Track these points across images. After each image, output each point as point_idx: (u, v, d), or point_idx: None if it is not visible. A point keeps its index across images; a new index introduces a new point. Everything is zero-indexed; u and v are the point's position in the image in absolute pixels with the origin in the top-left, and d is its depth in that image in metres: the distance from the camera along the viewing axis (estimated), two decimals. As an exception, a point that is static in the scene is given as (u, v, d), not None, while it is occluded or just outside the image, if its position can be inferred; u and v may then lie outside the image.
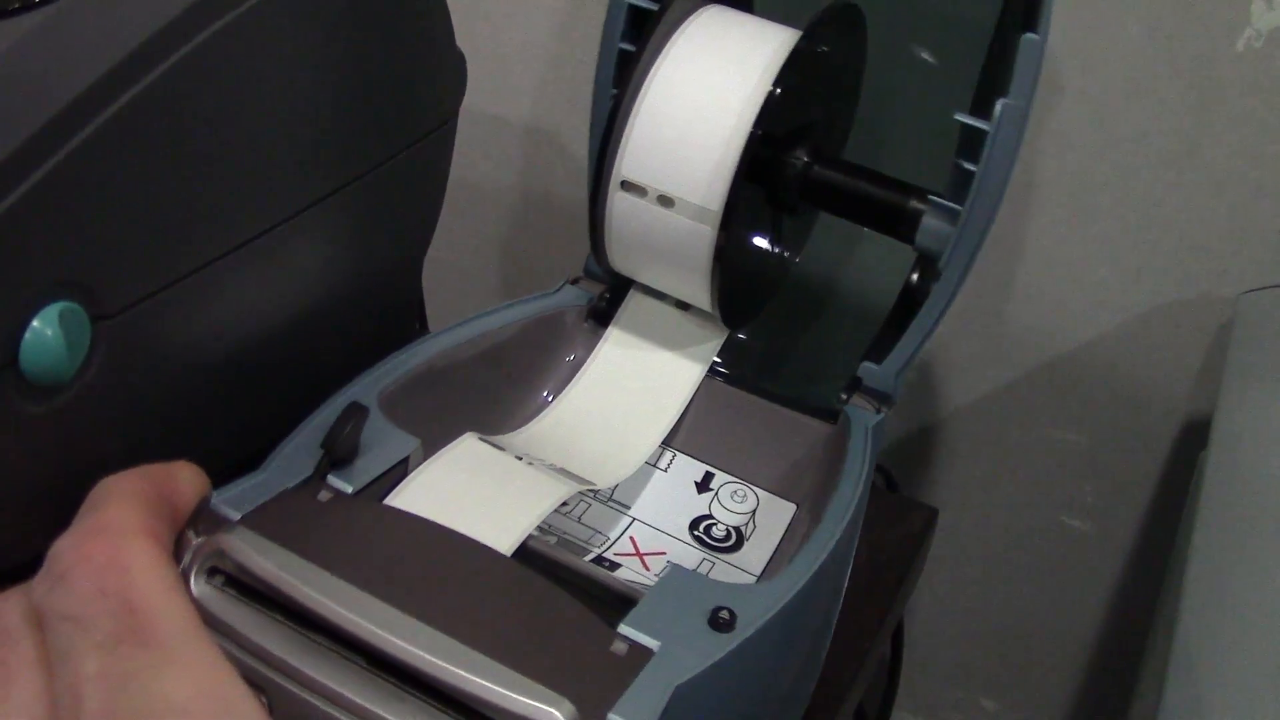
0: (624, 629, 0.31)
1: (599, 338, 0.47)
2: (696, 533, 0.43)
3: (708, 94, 0.41)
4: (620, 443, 0.44)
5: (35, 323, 0.31)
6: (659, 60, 0.42)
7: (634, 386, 0.46)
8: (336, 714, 0.28)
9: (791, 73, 0.41)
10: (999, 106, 0.40)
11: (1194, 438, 0.62)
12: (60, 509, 0.27)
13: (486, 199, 0.76)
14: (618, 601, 0.32)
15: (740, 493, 0.45)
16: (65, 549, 0.26)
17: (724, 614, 0.32)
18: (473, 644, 0.28)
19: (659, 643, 0.31)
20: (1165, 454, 0.62)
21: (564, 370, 0.47)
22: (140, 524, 0.27)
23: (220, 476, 0.32)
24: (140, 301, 0.35)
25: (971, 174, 0.41)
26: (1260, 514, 0.44)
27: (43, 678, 0.25)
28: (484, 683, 0.27)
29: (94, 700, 0.23)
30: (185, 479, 0.30)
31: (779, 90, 0.40)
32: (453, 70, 0.48)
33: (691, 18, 0.43)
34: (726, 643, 0.31)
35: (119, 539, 0.26)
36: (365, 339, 0.48)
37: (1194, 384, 0.59)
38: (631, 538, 0.43)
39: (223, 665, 0.24)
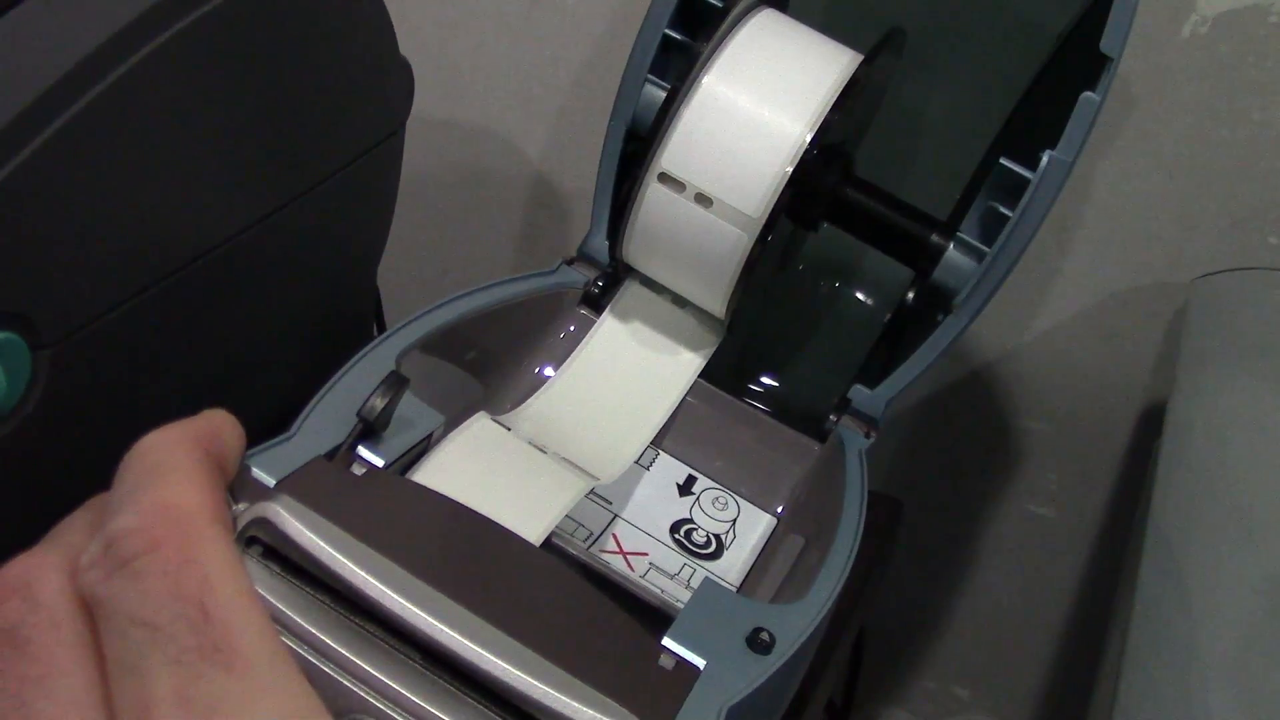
0: (669, 643, 0.30)
1: (593, 321, 0.46)
2: (677, 536, 0.43)
3: (768, 99, 0.40)
4: (614, 436, 0.44)
5: (-31, 356, 0.29)
6: (717, 55, 0.41)
7: (628, 377, 0.45)
8: (380, 705, 0.26)
9: (851, 95, 0.40)
10: (1046, 158, 0.40)
11: (1153, 423, 0.64)
12: (10, 537, 0.25)
13: (447, 200, 0.73)
14: (649, 612, 0.32)
15: (721, 500, 0.45)
16: (129, 530, 0.23)
17: (764, 636, 0.32)
18: (531, 645, 0.27)
19: (704, 661, 0.30)
20: (1126, 440, 0.64)
21: (560, 346, 0.46)
22: (212, 507, 0.24)
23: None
24: (81, 328, 0.33)
25: (1005, 218, 0.41)
26: (1212, 502, 0.45)
27: (92, 674, 0.22)
28: (551, 693, 0.26)
29: None
30: (229, 434, 0.28)
31: (839, 110, 0.40)
32: (399, 80, 0.48)
33: (749, 17, 0.42)
34: (769, 665, 0.31)
35: (191, 528, 0.23)
36: (320, 349, 0.47)
37: (1152, 370, 0.61)
38: (614, 535, 0.42)
39: (309, 695, 0.22)
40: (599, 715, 0.26)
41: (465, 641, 0.26)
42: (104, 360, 0.35)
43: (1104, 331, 0.63)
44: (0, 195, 0.30)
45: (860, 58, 0.41)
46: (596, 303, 0.46)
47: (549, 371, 0.45)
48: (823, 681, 0.48)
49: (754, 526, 0.44)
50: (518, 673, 0.26)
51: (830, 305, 0.53)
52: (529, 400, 0.43)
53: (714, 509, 0.44)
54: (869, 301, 0.50)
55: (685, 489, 0.45)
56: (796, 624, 0.33)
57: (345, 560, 0.27)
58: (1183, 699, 0.37)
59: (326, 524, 0.28)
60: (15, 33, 0.31)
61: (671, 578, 0.42)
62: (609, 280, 0.47)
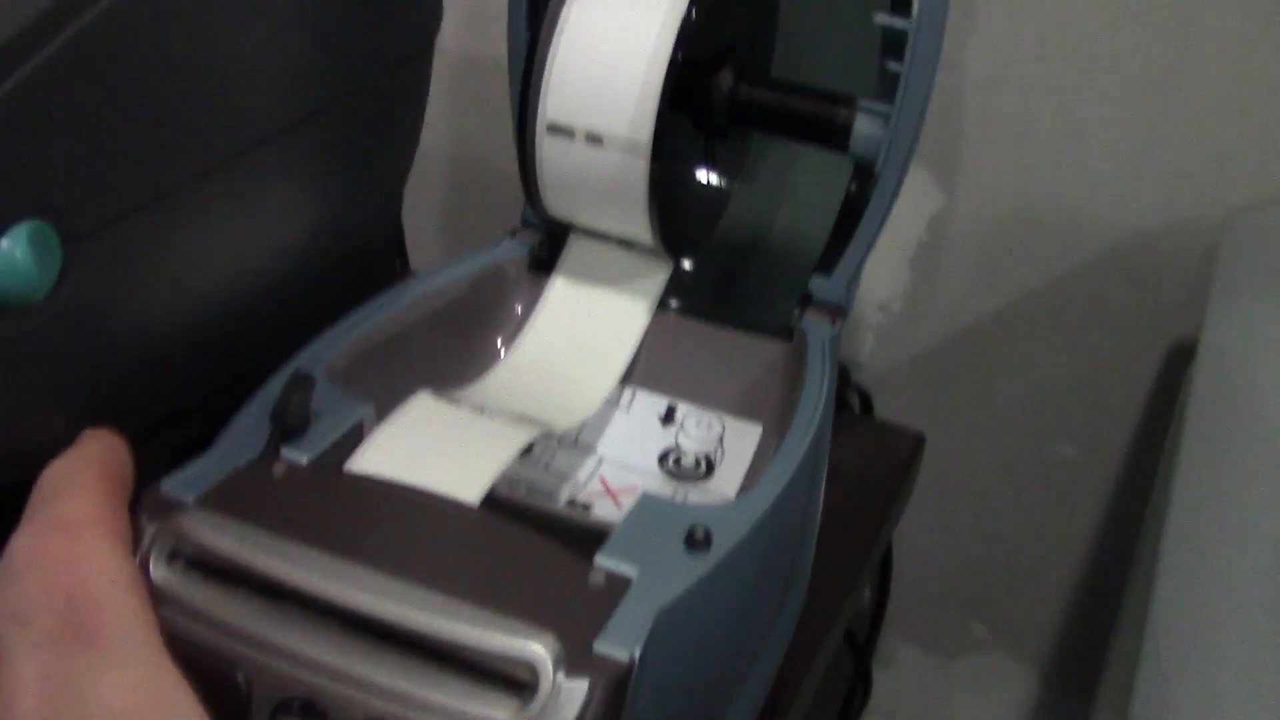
0: (600, 560, 0.31)
1: (544, 285, 0.47)
2: (666, 466, 0.43)
3: (624, 25, 0.40)
4: (577, 387, 0.44)
5: (4, 242, 0.30)
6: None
7: (585, 330, 0.46)
8: (319, 680, 0.28)
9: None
10: (916, 4, 0.40)
11: (1180, 363, 0.62)
12: (37, 433, 0.27)
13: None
14: (591, 538, 0.32)
15: (705, 421, 0.45)
16: (21, 547, 0.25)
17: (699, 534, 0.32)
18: (449, 593, 0.28)
19: (637, 569, 0.30)
20: (1151, 380, 0.63)
21: (513, 323, 0.46)
22: (96, 514, 0.26)
23: (169, 461, 0.32)
24: (113, 222, 0.34)
25: (898, 75, 0.41)
26: (1246, 426, 0.43)
27: None
28: (465, 627, 0.27)
29: (28, 701, 0.23)
30: (120, 450, 0.30)
31: (694, 13, 0.40)
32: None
33: None
34: (705, 563, 0.31)
35: (74, 533, 0.26)
36: (345, 275, 0.48)
37: (1180, 309, 0.60)
38: (601, 478, 0.43)
39: (166, 668, 0.24)
40: (512, 639, 0.27)
41: (373, 599, 0.27)
42: (134, 259, 0.35)
43: (1134, 269, 0.61)
44: (37, 82, 0.30)
45: None
46: (546, 265, 0.47)
47: (505, 347, 0.46)
48: (842, 610, 0.48)
49: (743, 438, 0.45)
50: (424, 616, 0.27)
51: (783, 215, 0.53)
52: (485, 374, 0.44)
53: (699, 431, 0.45)
54: (820, 204, 0.50)
55: (667, 419, 0.45)
56: (736, 520, 0.33)
57: (258, 552, 0.28)
58: (1217, 623, 0.35)
59: (239, 525, 0.29)
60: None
61: None
62: (554, 241, 0.47)
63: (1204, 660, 0.35)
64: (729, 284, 0.52)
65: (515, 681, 0.27)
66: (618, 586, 0.30)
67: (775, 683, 0.41)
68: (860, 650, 0.69)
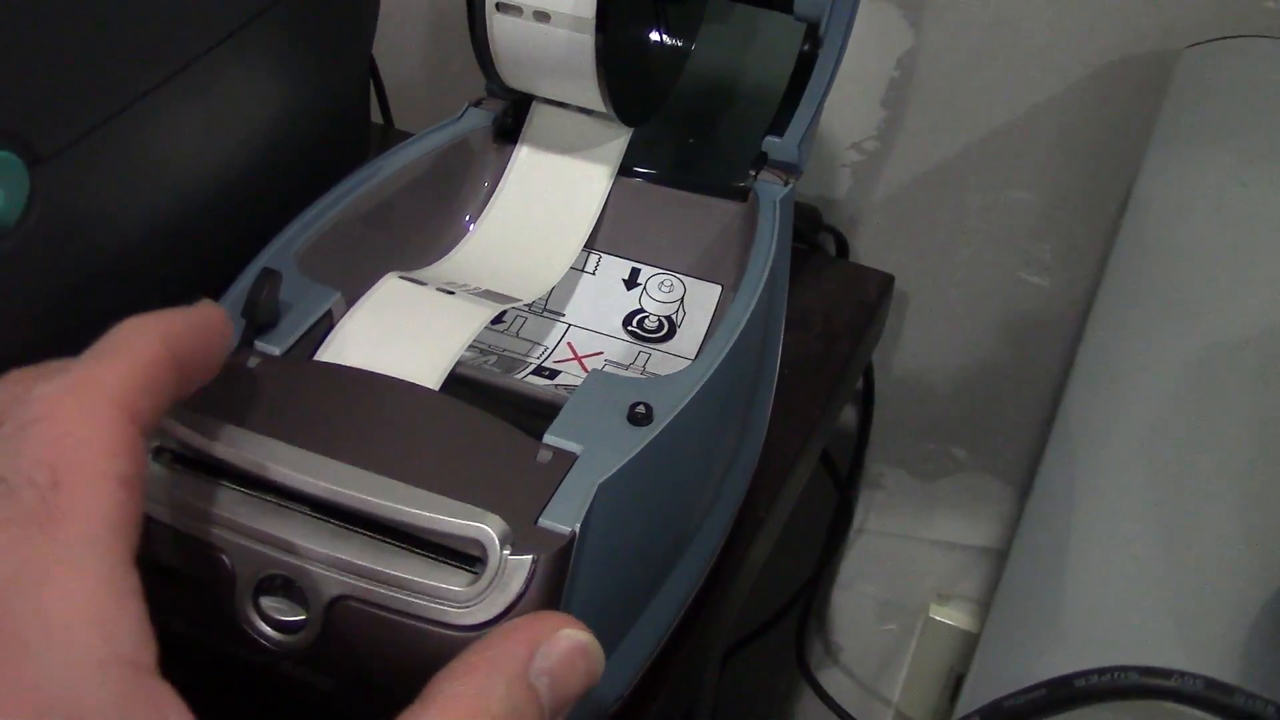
0: (549, 438, 0.33)
1: (509, 156, 0.48)
2: (630, 328, 0.45)
3: (564, -102, 0.41)
4: (543, 255, 0.46)
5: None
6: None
7: (551, 197, 0.47)
8: (292, 559, 0.31)
9: None
10: None
11: None
12: (16, 352, 0.27)
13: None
14: (549, 411, 0.34)
15: (667, 283, 0.47)
16: (40, 398, 0.23)
17: (640, 408, 0.34)
18: (404, 478, 0.31)
19: (582, 446, 0.33)
20: (1119, 211, 0.63)
21: (481, 195, 0.48)
22: (123, 392, 0.24)
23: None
24: (76, 142, 0.34)
25: (836, -64, 0.41)
26: (1157, 283, 0.44)
27: None
28: (417, 511, 0.30)
29: None
30: (212, 331, 0.29)
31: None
32: None
33: None
34: (645, 435, 0.33)
35: (92, 405, 0.23)
36: (322, 149, 0.48)
37: (1144, 142, 0.60)
38: (569, 343, 0.45)
39: (122, 588, 0.22)
40: (460, 520, 0.30)
41: (334, 487, 0.30)
42: (103, 176, 0.35)
43: (1098, 103, 0.61)
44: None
45: None
46: (511, 133, 0.48)
47: (472, 219, 0.48)
48: (805, 450, 0.51)
49: (702, 298, 0.47)
50: (380, 501, 0.30)
51: (747, 77, 0.54)
52: (454, 249, 0.46)
53: (661, 292, 0.47)
54: (773, 67, 0.51)
55: (631, 282, 0.47)
56: (675, 391, 0.35)
57: (233, 448, 0.31)
58: (1096, 479, 0.37)
59: (216, 422, 0.32)
60: None
61: (626, 368, 0.44)
62: (517, 108, 0.48)
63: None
64: (692, 147, 0.53)
65: (469, 557, 0.30)
66: (563, 463, 0.32)
67: (743, 516, 0.45)
68: (842, 479, 0.73)
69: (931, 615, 0.82)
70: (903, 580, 0.83)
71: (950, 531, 0.79)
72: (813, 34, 0.45)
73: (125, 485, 0.23)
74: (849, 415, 0.74)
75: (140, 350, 0.26)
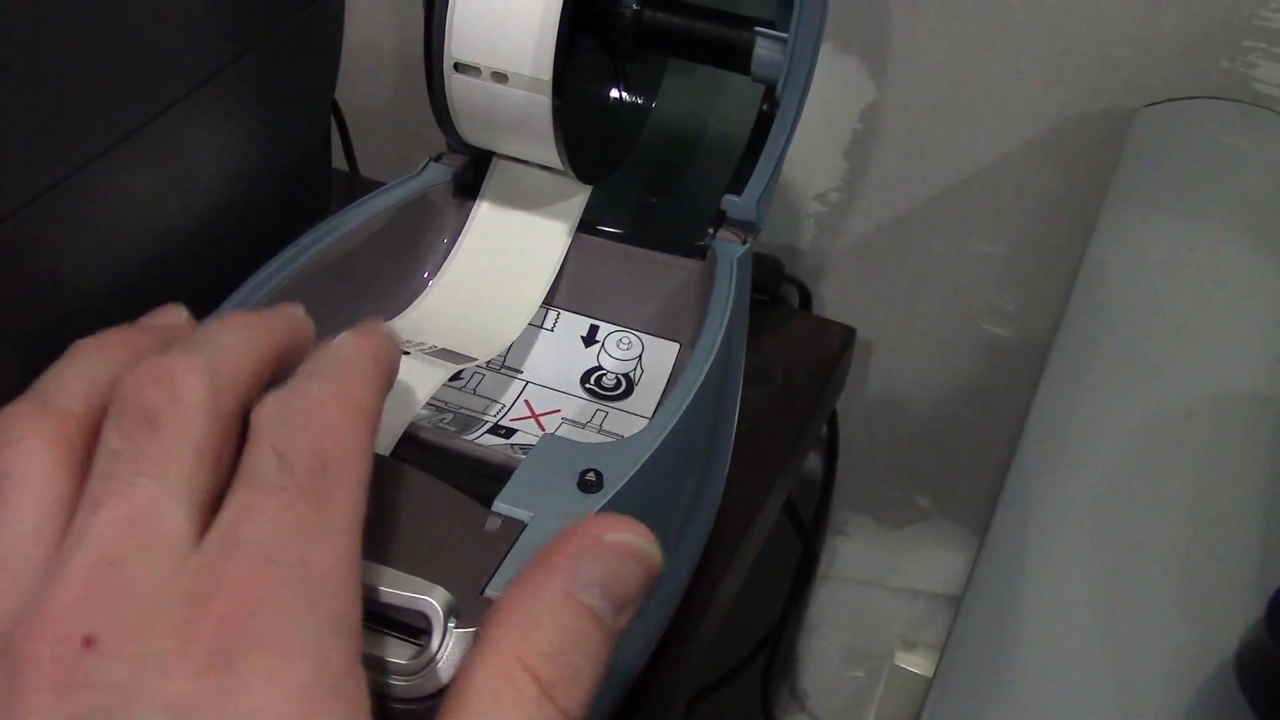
0: (498, 505, 0.33)
1: (469, 211, 0.48)
2: (588, 385, 0.46)
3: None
4: (501, 312, 0.46)
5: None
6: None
7: (510, 253, 0.47)
8: None
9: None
10: (806, -68, 0.40)
11: None
12: None
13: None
14: (503, 475, 0.34)
15: (625, 340, 0.47)
16: (317, 392, 0.26)
17: (590, 475, 0.34)
18: None
19: (531, 514, 0.32)
20: (1079, 264, 0.64)
21: (440, 250, 0.48)
22: (375, 408, 0.27)
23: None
24: (31, 202, 0.34)
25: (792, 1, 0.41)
26: (1109, 345, 0.44)
27: (206, 476, 0.24)
28: (366, 585, 0.30)
29: (263, 526, 0.23)
30: (395, 353, 0.31)
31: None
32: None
33: None
34: (595, 503, 0.33)
35: (355, 414, 0.26)
36: (283, 197, 0.48)
37: (1104, 197, 0.61)
38: (526, 401, 0.45)
39: (358, 570, 0.24)
40: (406, 593, 0.29)
41: None
42: (58, 232, 0.35)
43: (1059, 156, 0.62)
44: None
45: None
46: (472, 189, 0.48)
47: (430, 274, 0.48)
48: (766, 503, 0.51)
49: (660, 356, 0.47)
50: None
51: (708, 136, 0.54)
52: (412, 304, 0.46)
53: (619, 350, 0.47)
54: (732, 128, 0.51)
55: (590, 339, 0.47)
56: (627, 457, 0.35)
57: None
58: (1044, 540, 0.38)
59: None
60: None
61: (583, 427, 0.44)
62: (479, 163, 0.48)
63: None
64: (651, 205, 0.54)
65: (415, 629, 0.30)
66: (511, 531, 0.32)
67: (705, 568, 0.44)
68: (806, 528, 0.73)
69: (897, 662, 0.82)
70: (868, 627, 0.83)
71: (915, 579, 0.80)
72: (770, 94, 0.45)
73: (365, 487, 0.26)
74: (814, 463, 0.74)
75: (373, 373, 0.28)
